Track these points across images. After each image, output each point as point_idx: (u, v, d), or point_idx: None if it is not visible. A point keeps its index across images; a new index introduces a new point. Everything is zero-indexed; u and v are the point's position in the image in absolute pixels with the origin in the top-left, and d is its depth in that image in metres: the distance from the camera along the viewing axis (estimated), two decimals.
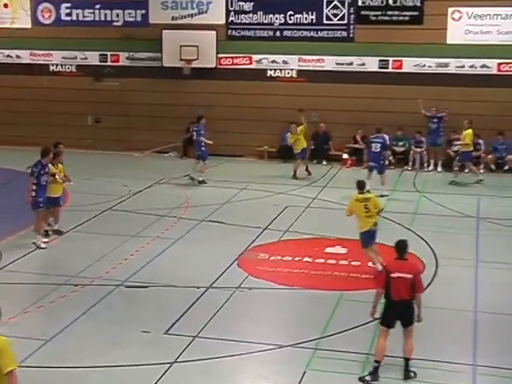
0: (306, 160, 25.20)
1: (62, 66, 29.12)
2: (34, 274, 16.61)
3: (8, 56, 29.32)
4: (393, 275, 11.71)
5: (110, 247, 17.99)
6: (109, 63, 28.72)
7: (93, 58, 28.85)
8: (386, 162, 24.02)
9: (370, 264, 16.40)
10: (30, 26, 29.09)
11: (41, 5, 28.87)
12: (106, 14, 28.55)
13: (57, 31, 28.72)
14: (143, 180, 23.21)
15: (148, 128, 27.59)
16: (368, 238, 16.29)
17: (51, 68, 29.15)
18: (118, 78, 28.38)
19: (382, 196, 21.05)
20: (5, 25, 29.14)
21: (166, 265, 17.18)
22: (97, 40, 28.44)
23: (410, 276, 11.69)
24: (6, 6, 29.03)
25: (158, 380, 11.99)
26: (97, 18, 28.61)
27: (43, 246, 17.83)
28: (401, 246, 12.04)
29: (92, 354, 12.89)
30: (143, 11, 28.01)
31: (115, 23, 28.41)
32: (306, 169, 24.95)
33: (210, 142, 24.26)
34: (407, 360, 11.88)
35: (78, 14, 28.77)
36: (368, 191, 17.49)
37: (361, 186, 16.56)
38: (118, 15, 28.37)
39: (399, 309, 11.77)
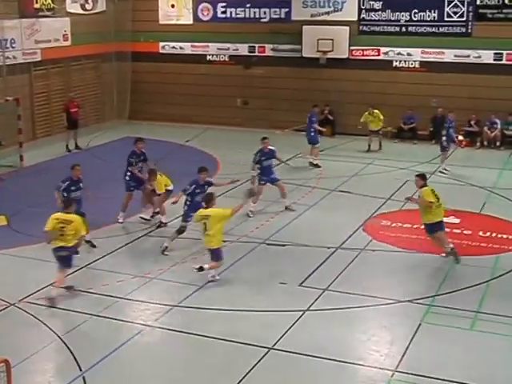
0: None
1: (216, 55, 29.40)
2: (192, 230, 16.75)
3: (173, 47, 29.88)
4: None
5: (254, 210, 18.12)
6: (256, 54, 28.81)
7: (243, 49, 28.98)
8: None
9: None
10: (191, 22, 29.50)
11: (201, 4, 29.24)
12: (255, 12, 28.60)
13: (213, 26, 29.01)
14: (283, 153, 23.10)
15: (288, 109, 27.53)
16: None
17: (208, 57, 29.47)
18: (264, 67, 28.45)
19: None
20: (171, 21, 29.69)
21: (301, 227, 17.19)
22: (246, 34, 28.55)
23: None
24: (172, 6, 29.65)
25: (293, 324, 12.09)
26: (247, 16, 28.72)
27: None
28: None
29: (238, 299, 13.11)
30: (287, 9, 27.94)
31: (262, 20, 28.43)
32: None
33: (323, 129, 23.99)
34: None
35: (231, 12, 28.96)
36: None
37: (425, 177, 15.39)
38: (265, 13, 28.39)
39: None
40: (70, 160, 23.94)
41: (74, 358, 11.01)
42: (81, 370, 10.66)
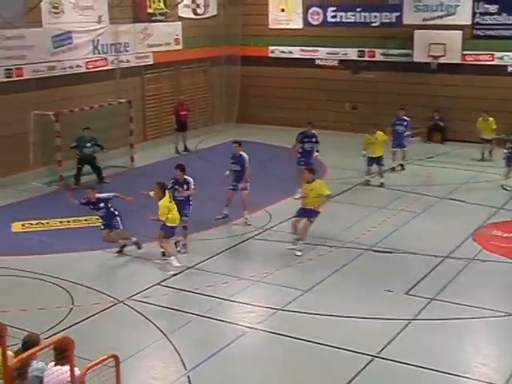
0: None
1: (325, 60, 29.37)
2: (290, 233, 16.87)
3: (282, 52, 30.03)
4: None
5: (360, 216, 18.01)
6: (366, 58, 28.59)
7: (352, 53, 28.82)
8: None
9: None
10: (301, 26, 29.56)
11: (311, 9, 29.25)
12: (365, 16, 28.38)
13: (323, 31, 28.96)
14: (391, 159, 22.82)
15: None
16: None
17: (317, 62, 29.46)
18: (373, 71, 28.22)
19: None
20: (281, 25, 29.86)
21: (408, 235, 16.91)
22: (356, 38, 28.36)
23: None
24: (282, 10, 29.79)
25: (399, 333, 11.91)
26: (357, 20, 28.53)
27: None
28: None
29: (341, 305, 13.02)
30: (398, 13, 27.56)
31: (373, 24, 28.20)
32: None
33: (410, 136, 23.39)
34: None
35: (341, 16, 28.84)
36: None
37: None
38: (375, 17, 28.13)
39: None
40: (179, 162, 24.61)
41: (179, 356, 11.21)
42: (185, 369, 10.85)
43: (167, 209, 14.69)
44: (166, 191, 14.98)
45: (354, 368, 10.78)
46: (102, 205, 15.63)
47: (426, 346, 11.50)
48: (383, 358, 11.10)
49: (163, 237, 14.97)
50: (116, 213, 15.75)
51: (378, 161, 21.06)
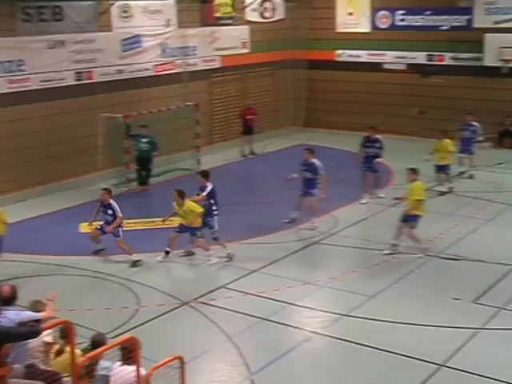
0: None
1: (393, 64, 29.10)
2: (361, 239, 16.80)
3: (349, 55, 29.88)
4: None
5: (428, 222, 17.69)
6: (434, 62, 28.22)
7: (420, 57, 28.49)
8: None
9: None
10: (369, 30, 29.38)
11: (379, 12, 29.04)
12: (434, 20, 28.03)
13: (391, 34, 28.72)
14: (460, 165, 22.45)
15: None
16: None
17: (384, 66, 29.23)
18: (443, 76, 27.84)
19: None
20: (349, 29, 29.72)
21: (476, 242, 16.61)
22: (425, 42, 28.04)
23: None
24: (350, 13, 29.65)
25: (466, 342, 11.69)
26: (426, 23, 28.19)
27: None
28: None
29: (407, 312, 12.86)
30: (469, 16, 27.15)
31: (442, 27, 27.82)
32: None
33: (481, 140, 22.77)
34: None
35: (410, 20, 28.56)
36: None
37: None
38: (445, 20, 27.75)
39: None
40: (245, 165, 24.76)
41: (243, 359, 11.23)
42: (249, 372, 10.86)
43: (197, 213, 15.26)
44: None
45: (419, 377, 10.62)
46: (110, 212, 15.58)
47: (494, 356, 11.26)
48: (450, 368, 10.91)
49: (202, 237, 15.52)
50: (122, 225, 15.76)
51: (444, 169, 20.69)
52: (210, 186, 15.80)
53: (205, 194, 15.71)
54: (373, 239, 16.72)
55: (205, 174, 16.17)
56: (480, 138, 22.58)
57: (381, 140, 19.85)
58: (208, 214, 15.59)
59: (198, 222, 15.36)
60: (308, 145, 18.63)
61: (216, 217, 15.72)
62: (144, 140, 21.41)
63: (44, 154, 21.21)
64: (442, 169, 20.65)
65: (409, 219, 15.69)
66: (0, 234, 14.70)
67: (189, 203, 15.26)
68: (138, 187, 21.45)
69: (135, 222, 17.95)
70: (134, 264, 15.37)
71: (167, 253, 15.56)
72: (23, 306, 8.71)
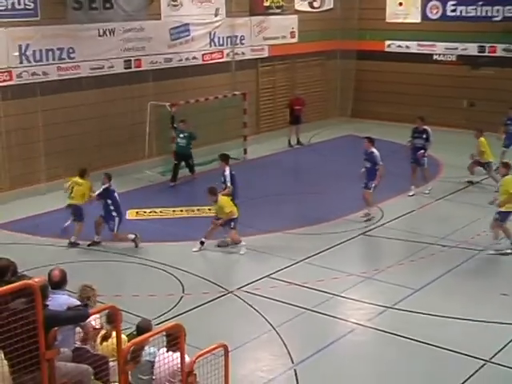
0: None
1: (443, 55, 28.74)
2: (407, 232, 16.64)
3: (399, 46, 29.57)
4: None
5: (475, 217, 17.49)
6: (486, 54, 27.79)
7: (472, 49, 28.08)
8: None
9: None
10: (419, 20, 29.00)
11: (430, 2, 28.66)
12: (486, 10, 27.58)
13: (442, 25, 28.32)
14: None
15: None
16: None
17: (434, 57, 28.86)
18: (494, 67, 27.40)
19: None
20: (398, 20, 29.40)
21: None
22: (476, 33, 27.59)
23: None
24: (400, 4, 29.30)
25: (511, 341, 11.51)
26: (478, 14, 27.76)
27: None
28: None
29: (453, 306, 12.73)
30: None
31: (495, 18, 27.38)
32: None
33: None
34: None
35: (461, 10, 28.14)
36: None
37: None
38: (498, 11, 27.29)
39: None
40: (292, 155, 24.71)
41: (287, 349, 11.24)
42: (293, 363, 10.87)
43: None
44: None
45: (464, 372, 10.51)
46: (109, 201, 15.85)
47: None
48: (496, 364, 10.77)
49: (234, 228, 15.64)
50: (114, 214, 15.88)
51: (483, 165, 20.29)
52: (227, 171, 16.03)
53: (229, 183, 16.01)
54: (419, 232, 16.58)
55: (224, 158, 16.23)
56: None
57: (428, 131, 19.58)
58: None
59: (234, 213, 15.48)
60: (371, 136, 18.27)
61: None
62: (181, 135, 21.15)
63: (92, 142, 21.41)
64: (481, 165, 20.32)
65: (500, 215, 15.27)
66: (79, 201, 15.76)
67: (222, 199, 15.43)
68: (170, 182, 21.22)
69: (180, 210, 18.05)
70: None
71: (202, 243, 15.65)
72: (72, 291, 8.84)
